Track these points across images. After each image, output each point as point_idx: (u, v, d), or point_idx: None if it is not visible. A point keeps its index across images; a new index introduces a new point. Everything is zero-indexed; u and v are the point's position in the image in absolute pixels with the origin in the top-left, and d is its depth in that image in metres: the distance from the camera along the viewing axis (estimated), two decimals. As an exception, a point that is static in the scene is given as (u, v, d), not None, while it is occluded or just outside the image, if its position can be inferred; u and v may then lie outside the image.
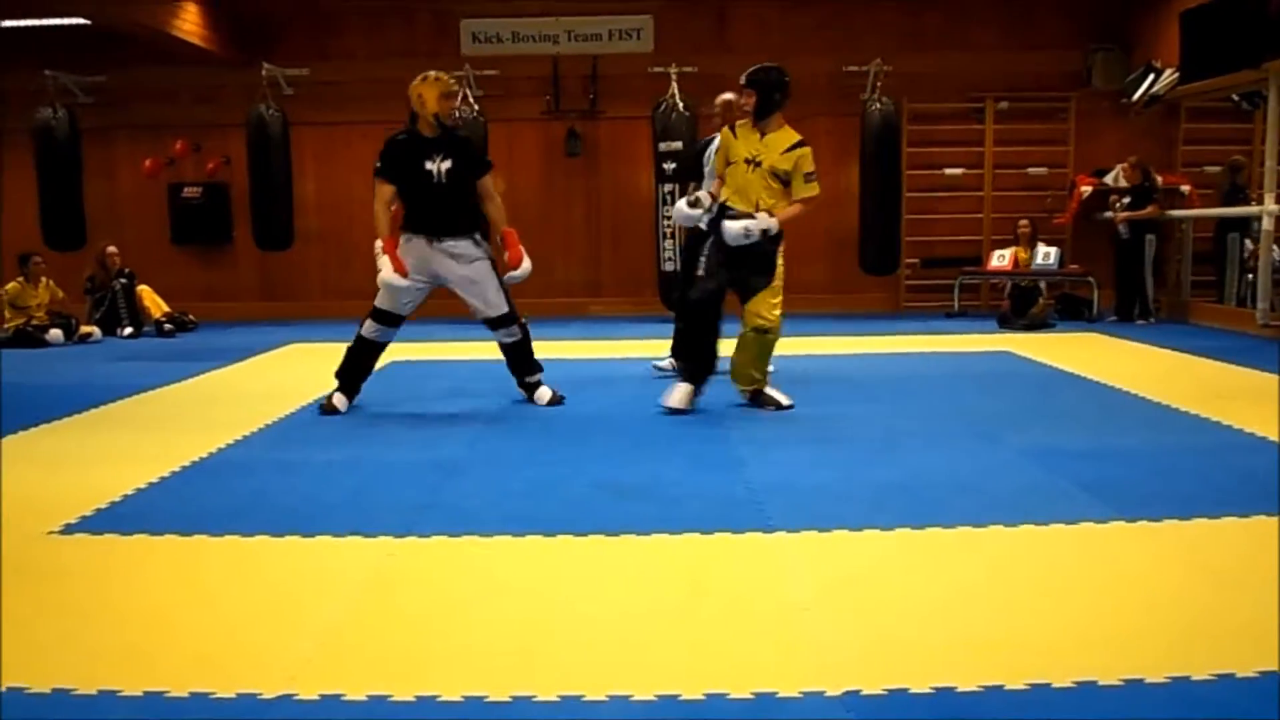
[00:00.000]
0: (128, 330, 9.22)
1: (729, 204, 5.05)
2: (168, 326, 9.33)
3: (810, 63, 10.40)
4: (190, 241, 10.97)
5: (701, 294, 5.11)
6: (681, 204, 5.22)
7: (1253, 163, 9.66)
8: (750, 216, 4.92)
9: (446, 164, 5.04)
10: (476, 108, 9.78)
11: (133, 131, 10.76)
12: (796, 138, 5.04)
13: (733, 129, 5.16)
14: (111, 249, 9.44)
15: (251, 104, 9.86)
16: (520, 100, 10.54)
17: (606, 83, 10.57)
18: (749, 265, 5.04)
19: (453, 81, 5.08)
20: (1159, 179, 9.83)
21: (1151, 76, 9.69)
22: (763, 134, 5.03)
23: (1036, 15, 10.57)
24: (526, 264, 5.19)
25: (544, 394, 5.41)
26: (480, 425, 4.92)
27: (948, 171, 10.72)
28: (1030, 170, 10.68)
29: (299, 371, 5.37)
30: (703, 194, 5.25)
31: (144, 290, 9.44)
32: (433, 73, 5.09)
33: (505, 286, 5.26)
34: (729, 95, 5.71)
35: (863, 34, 10.37)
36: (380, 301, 5.18)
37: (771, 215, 4.94)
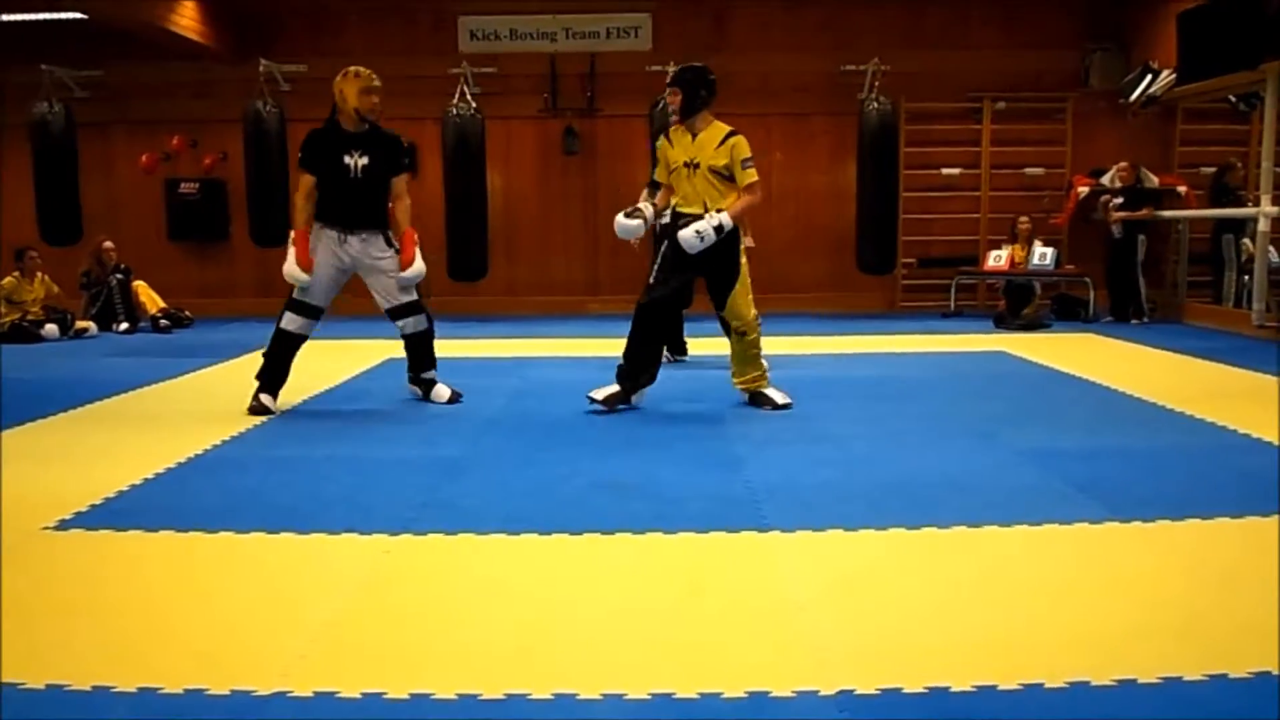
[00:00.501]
0: (124, 326, 9.20)
1: (679, 209, 5.02)
2: (164, 322, 9.32)
3: (808, 61, 10.45)
4: (187, 237, 10.97)
5: (650, 302, 5.11)
6: (620, 217, 5.14)
7: (1249, 164, 9.67)
8: (699, 218, 4.89)
9: (364, 160, 5.07)
10: (474, 105, 9.78)
11: (129, 127, 10.76)
12: (727, 129, 5.00)
13: (668, 136, 5.12)
14: (108, 244, 9.43)
15: (248, 100, 9.86)
16: (518, 98, 10.54)
17: (604, 81, 10.57)
18: (713, 271, 5.04)
19: (373, 78, 5.08)
20: (1156, 180, 9.85)
21: (1149, 77, 9.70)
22: (694, 134, 5.00)
23: (1035, 15, 10.58)
24: (417, 266, 5.19)
25: (442, 391, 5.42)
26: (480, 424, 4.92)
27: (945, 171, 10.73)
28: (1027, 170, 10.70)
29: (295, 368, 5.35)
30: (642, 205, 5.22)
31: (140, 286, 9.42)
32: (354, 68, 5.10)
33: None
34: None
35: (861, 33, 10.38)
36: (296, 294, 5.19)
37: (720, 212, 4.90)
